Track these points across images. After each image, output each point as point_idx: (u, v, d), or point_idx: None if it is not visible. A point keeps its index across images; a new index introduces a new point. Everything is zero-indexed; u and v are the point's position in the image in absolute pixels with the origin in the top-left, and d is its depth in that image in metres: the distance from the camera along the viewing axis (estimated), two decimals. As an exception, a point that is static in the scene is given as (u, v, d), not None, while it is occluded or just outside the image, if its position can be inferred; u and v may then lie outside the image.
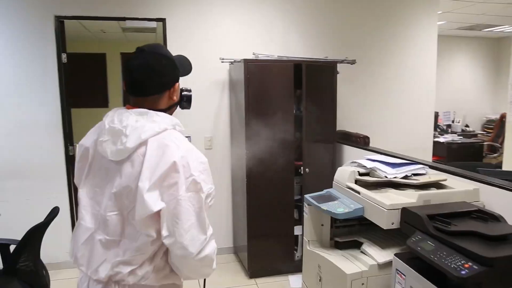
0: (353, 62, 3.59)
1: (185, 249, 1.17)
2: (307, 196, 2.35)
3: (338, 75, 3.50)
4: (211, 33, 3.62)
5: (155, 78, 1.27)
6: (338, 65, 3.51)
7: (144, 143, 1.18)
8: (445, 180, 2.00)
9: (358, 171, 2.22)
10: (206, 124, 3.71)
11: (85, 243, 1.25)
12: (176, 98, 1.36)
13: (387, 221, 1.82)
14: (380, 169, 2.15)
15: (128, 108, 1.28)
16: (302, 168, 3.28)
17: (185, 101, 1.43)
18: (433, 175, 2.10)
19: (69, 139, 3.52)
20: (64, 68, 3.45)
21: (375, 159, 2.28)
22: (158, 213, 1.15)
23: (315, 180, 3.26)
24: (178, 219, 1.16)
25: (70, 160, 3.50)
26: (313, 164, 3.30)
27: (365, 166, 2.23)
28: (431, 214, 1.67)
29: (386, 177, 2.09)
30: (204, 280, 1.49)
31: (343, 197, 2.19)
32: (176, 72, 1.34)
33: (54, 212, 2.33)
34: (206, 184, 1.21)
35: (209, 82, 3.66)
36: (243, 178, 3.27)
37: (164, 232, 1.16)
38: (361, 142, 3.42)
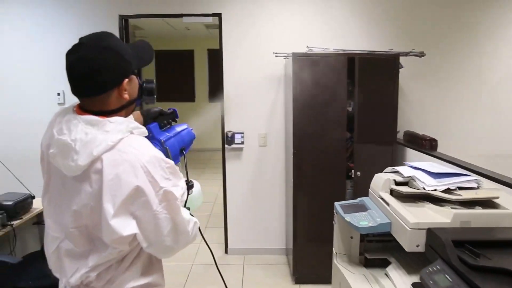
0: (421, 54, 3.15)
1: (170, 248, 1.16)
2: (337, 203, 2.11)
3: (402, 69, 3.12)
4: (267, 26, 3.50)
5: (95, 75, 1.09)
6: (403, 58, 3.12)
7: (98, 159, 1.05)
8: (496, 197, 1.61)
9: (394, 180, 1.91)
10: (261, 120, 3.62)
11: (54, 252, 1.18)
12: (128, 96, 1.16)
13: (410, 242, 1.52)
14: (419, 179, 1.82)
15: (78, 112, 1.13)
16: (353, 171, 2.99)
17: (147, 95, 1.24)
18: (484, 191, 1.71)
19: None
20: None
21: (418, 166, 1.94)
22: (129, 235, 1.08)
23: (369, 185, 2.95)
24: (157, 229, 1.11)
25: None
26: (366, 167, 2.99)
27: (402, 174, 1.92)
28: (461, 240, 1.34)
29: (424, 188, 1.76)
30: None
31: (375, 208, 1.91)
32: (124, 65, 1.13)
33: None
34: (177, 188, 1.15)
35: (264, 77, 3.55)
36: (291, 179, 3.11)
37: (144, 244, 1.12)
38: (427, 145, 2.99)
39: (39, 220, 2.84)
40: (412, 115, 3.50)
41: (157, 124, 1.36)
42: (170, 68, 8.73)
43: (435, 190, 1.73)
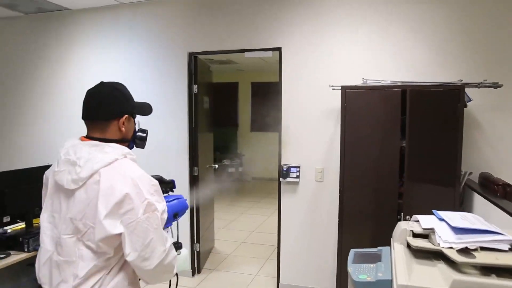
0: (496, 85, 2.73)
1: (147, 261, 1.32)
2: (353, 250, 1.93)
3: (472, 103, 2.75)
4: (326, 59, 3.43)
5: (103, 104, 1.42)
6: (475, 90, 2.75)
7: (96, 172, 1.31)
8: (519, 265, 1.29)
9: (412, 231, 1.68)
10: (318, 154, 3.51)
11: (45, 264, 1.39)
12: (124, 130, 1.46)
13: (398, 307, 1.31)
14: (437, 233, 1.57)
15: (83, 140, 1.42)
16: (402, 214, 2.69)
17: (138, 139, 1.55)
18: (509, 257, 1.38)
19: (195, 161, 3.94)
20: (194, 97, 3.92)
21: (445, 216, 1.67)
22: (116, 235, 1.29)
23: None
24: (139, 237, 1.30)
25: (193, 180, 3.92)
26: (418, 212, 2.65)
27: (421, 225, 1.67)
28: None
29: (439, 244, 1.50)
30: (170, 282, 1.64)
31: (388, 260, 1.70)
32: (125, 105, 1.46)
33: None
34: (159, 203, 1.36)
35: (323, 111, 3.46)
36: (329, 220, 2.93)
37: (127, 250, 1.30)
38: (499, 191, 2.55)
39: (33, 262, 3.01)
40: (491, 155, 3.02)
41: None
42: (221, 98, 9.37)
43: (451, 247, 1.47)
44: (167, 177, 1.74)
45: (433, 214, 1.76)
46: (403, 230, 1.71)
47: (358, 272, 1.62)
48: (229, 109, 9.76)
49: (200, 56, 4.01)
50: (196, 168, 3.95)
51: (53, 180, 1.41)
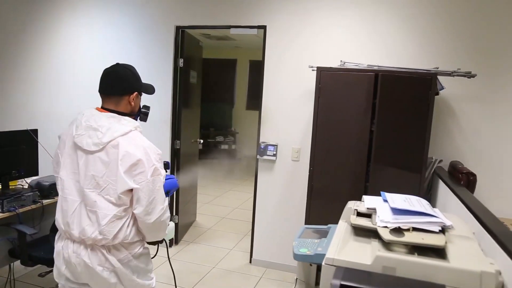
0: (469, 75, 2.74)
1: (149, 215, 1.62)
2: (305, 226, 1.99)
3: (444, 90, 2.77)
4: (310, 40, 3.43)
5: (118, 81, 1.70)
6: (448, 79, 2.77)
7: (115, 139, 1.59)
8: (440, 246, 1.35)
9: (357, 210, 1.73)
10: (295, 134, 3.54)
11: (75, 212, 1.63)
12: (133, 105, 1.75)
13: (324, 279, 1.37)
14: (378, 212, 1.62)
15: (100, 111, 1.69)
16: (367, 197, 2.74)
17: (142, 114, 1.85)
18: (435, 237, 1.43)
19: (177, 135, 3.99)
20: (180, 71, 3.93)
21: (390, 198, 1.72)
22: (129, 191, 1.59)
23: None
24: (146, 195, 1.59)
25: (175, 153, 3.98)
26: (383, 196, 2.71)
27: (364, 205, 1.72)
28: (348, 285, 1.17)
29: (376, 223, 1.56)
30: (158, 245, 1.93)
31: (336, 235, 1.76)
32: (136, 84, 1.75)
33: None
34: (162, 169, 1.68)
35: (302, 91, 3.48)
36: (303, 199, 2.99)
37: (135, 204, 1.60)
38: (463, 180, 2.59)
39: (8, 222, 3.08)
40: (463, 143, 3.06)
41: None
42: (215, 74, 9.36)
43: (385, 226, 1.52)
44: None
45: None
46: (348, 209, 1.76)
47: (301, 246, 1.69)
48: (225, 86, 9.76)
49: (191, 31, 4.00)
50: (178, 141, 4.00)
51: (71, 141, 1.66)
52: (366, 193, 2.78)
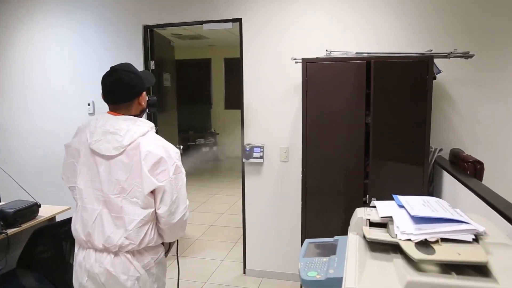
0: (467, 55, 2.54)
1: (173, 215, 1.61)
2: (308, 240, 1.74)
3: (440, 74, 2.56)
4: (291, 31, 3.18)
5: (125, 89, 1.66)
6: (443, 61, 2.56)
7: (135, 141, 1.58)
8: (483, 263, 1.11)
9: (369, 220, 1.49)
10: (282, 133, 3.29)
11: (95, 221, 1.60)
12: (144, 104, 1.73)
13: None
14: (395, 222, 1.38)
15: (115, 115, 1.66)
16: (368, 196, 2.52)
17: (151, 105, 1.80)
18: (473, 250, 1.20)
19: (154, 142, 3.68)
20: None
21: (406, 202, 1.49)
22: (153, 191, 1.58)
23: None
24: (169, 194, 1.59)
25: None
26: (385, 192, 2.49)
27: (377, 214, 1.48)
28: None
29: (396, 235, 1.32)
30: (173, 244, 1.92)
31: (344, 253, 1.51)
32: (141, 84, 1.70)
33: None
34: (182, 168, 1.67)
35: (286, 86, 3.23)
36: (296, 202, 2.75)
37: (159, 204, 1.59)
38: (470, 169, 2.39)
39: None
40: (463, 130, 2.87)
41: None
42: (189, 75, 9.06)
43: (409, 239, 1.28)
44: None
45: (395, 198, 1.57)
46: (359, 218, 1.51)
47: (308, 268, 1.43)
48: (201, 86, 9.43)
49: (162, 31, 3.69)
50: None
51: (86, 149, 1.64)
52: (366, 191, 2.56)
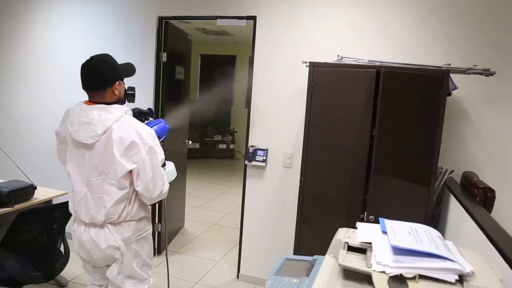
0: (487, 72, 2.35)
1: (150, 192, 1.79)
2: (286, 255, 1.63)
3: (457, 90, 2.38)
4: (306, 32, 3.06)
5: (98, 77, 1.78)
6: (461, 77, 2.38)
7: (109, 128, 1.72)
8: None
9: (347, 243, 1.36)
10: (288, 138, 3.17)
11: (81, 201, 1.83)
12: (118, 93, 1.84)
13: None
14: (374, 249, 1.25)
15: (88, 104, 1.79)
16: (366, 213, 2.37)
17: (129, 96, 1.93)
18: None
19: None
20: (163, 66, 3.57)
21: (392, 227, 1.35)
22: (129, 172, 1.75)
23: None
24: (145, 172, 1.75)
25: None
26: (385, 210, 2.34)
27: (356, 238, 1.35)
28: None
29: (371, 265, 1.19)
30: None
31: (319, 276, 1.39)
32: (115, 74, 1.82)
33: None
34: (157, 146, 1.79)
35: (295, 90, 3.10)
36: (295, 211, 2.62)
37: (136, 182, 1.77)
38: (480, 196, 2.21)
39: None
40: (479, 152, 2.67)
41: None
42: (213, 71, 8.95)
43: (383, 271, 1.15)
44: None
45: (390, 219, 1.44)
46: (338, 240, 1.39)
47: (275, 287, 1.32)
48: (224, 83, 9.38)
49: (181, 23, 3.64)
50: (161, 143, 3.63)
51: (70, 138, 1.80)
52: (365, 207, 2.42)
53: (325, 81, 2.44)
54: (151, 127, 1.89)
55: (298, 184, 3.07)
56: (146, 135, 1.75)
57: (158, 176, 1.78)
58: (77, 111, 1.78)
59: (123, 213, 1.80)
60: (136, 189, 1.77)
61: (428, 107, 2.29)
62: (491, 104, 2.60)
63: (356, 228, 1.49)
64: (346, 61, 2.61)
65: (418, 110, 2.30)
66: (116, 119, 1.73)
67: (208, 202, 5.74)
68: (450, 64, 2.45)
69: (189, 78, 4.36)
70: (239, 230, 3.43)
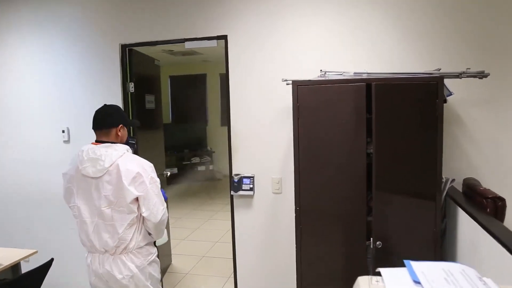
0: (481, 75, 2.22)
1: (155, 216, 2.00)
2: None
3: (452, 96, 2.24)
4: (280, 49, 2.87)
5: (105, 117, 2.08)
6: (454, 81, 2.24)
7: (114, 162, 1.95)
8: None
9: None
10: (274, 162, 2.96)
11: (94, 231, 2.00)
12: (121, 136, 2.09)
13: None
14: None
15: (95, 144, 2.03)
16: (372, 239, 2.17)
17: (130, 145, 2.13)
18: None
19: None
20: (131, 97, 3.31)
21: (422, 277, 1.14)
22: (136, 199, 1.96)
23: (397, 258, 2.11)
24: (149, 200, 1.98)
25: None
26: (393, 233, 2.16)
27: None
28: None
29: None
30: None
31: None
32: (120, 118, 2.10)
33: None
34: (157, 178, 2.06)
35: (277, 110, 2.91)
36: (290, 239, 2.40)
37: (143, 209, 1.98)
38: (490, 207, 2.05)
39: None
40: (477, 157, 2.54)
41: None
42: (184, 91, 8.74)
43: None
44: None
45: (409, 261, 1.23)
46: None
47: None
48: (196, 103, 9.14)
49: (145, 48, 3.39)
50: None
51: (79, 174, 1.99)
52: (370, 230, 2.22)
53: (311, 100, 2.25)
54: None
55: (290, 211, 2.86)
56: (148, 168, 2.02)
57: (159, 202, 2.03)
58: (85, 151, 1.99)
59: (132, 241, 1.99)
60: (143, 214, 1.98)
61: (425, 117, 2.13)
62: (485, 107, 2.48)
63: (377, 273, 1.28)
64: (330, 75, 2.43)
65: (415, 122, 2.14)
66: (120, 155, 1.97)
67: (193, 232, 5.44)
68: (440, 69, 2.32)
69: (161, 105, 4.11)
70: (231, 260, 3.19)
